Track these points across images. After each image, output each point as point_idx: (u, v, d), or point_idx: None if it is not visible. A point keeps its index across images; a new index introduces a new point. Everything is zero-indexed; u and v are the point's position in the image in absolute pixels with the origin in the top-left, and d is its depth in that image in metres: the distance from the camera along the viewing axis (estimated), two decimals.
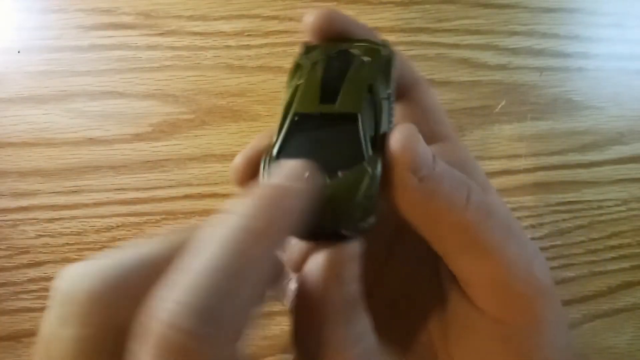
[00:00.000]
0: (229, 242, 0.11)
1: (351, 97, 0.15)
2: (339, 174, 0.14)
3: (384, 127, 0.15)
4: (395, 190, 0.15)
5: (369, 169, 0.14)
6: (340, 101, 0.15)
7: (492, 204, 0.16)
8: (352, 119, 0.15)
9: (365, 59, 0.17)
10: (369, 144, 0.15)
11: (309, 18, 0.17)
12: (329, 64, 0.17)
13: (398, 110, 0.19)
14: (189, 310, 0.10)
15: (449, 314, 0.18)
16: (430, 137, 0.18)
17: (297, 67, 0.18)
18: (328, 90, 0.16)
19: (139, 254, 0.14)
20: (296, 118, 0.16)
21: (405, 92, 0.19)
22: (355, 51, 0.17)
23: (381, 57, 0.17)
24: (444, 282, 0.18)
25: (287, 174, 0.14)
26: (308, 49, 0.18)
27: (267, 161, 0.15)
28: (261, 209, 0.12)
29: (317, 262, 0.14)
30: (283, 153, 0.15)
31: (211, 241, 0.12)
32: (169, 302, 0.11)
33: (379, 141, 0.15)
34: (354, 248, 0.14)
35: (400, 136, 0.14)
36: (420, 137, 0.15)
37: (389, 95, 0.16)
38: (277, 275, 0.14)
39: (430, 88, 0.20)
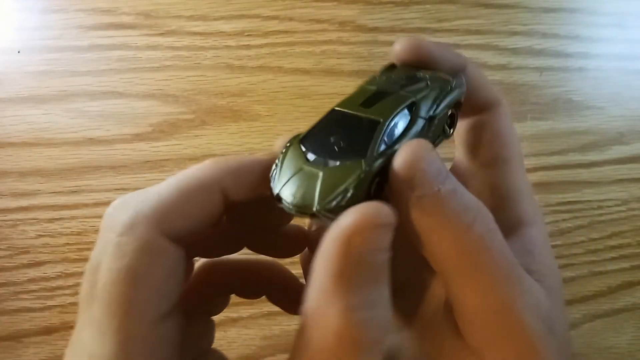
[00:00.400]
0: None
1: (386, 107, 0.16)
2: (337, 162, 0.15)
3: (404, 143, 0.16)
4: (394, 202, 0.15)
5: (364, 166, 0.15)
6: (374, 108, 0.16)
7: (497, 237, 0.15)
8: (375, 124, 0.16)
9: (429, 82, 0.18)
10: (378, 148, 0.15)
11: (396, 46, 0.18)
12: (392, 80, 0.18)
13: (463, 125, 0.20)
14: None
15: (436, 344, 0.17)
16: (493, 160, 0.19)
17: (369, 80, 0.19)
18: (374, 100, 0.17)
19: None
20: (332, 113, 0.17)
21: (481, 111, 0.19)
22: (423, 75, 0.18)
23: (444, 84, 0.18)
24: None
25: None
26: (388, 68, 0.20)
27: (292, 141, 0.17)
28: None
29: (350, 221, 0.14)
30: (307, 136, 0.17)
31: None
32: None
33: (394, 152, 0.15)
34: (388, 217, 0.14)
35: (405, 152, 0.15)
36: (432, 155, 0.15)
37: (431, 117, 0.17)
38: None
39: (508, 109, 0.19)
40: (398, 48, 0.18)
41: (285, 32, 0.38)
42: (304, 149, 0.16)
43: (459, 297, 0.16)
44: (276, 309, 0.23)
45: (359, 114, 0.16)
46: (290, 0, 0.38)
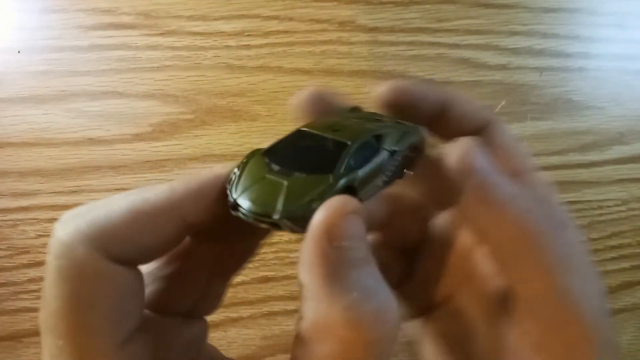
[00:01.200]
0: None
1: (353, 133, 0.16)
2: (303, 174, 0.15)
3: (368, 169, 0.16)
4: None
5: (331, 180, 0.15)
6: (342, 132, 0.17)
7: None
8: (343, 146, 0.16)
9: (390, 123, 0.18)
10: (346, 167, 0.15)
11: (381, 89, 0.19)
12: (356, 117, 0.19)
13: None
14: None
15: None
16: (510, 173, 0.19)
17: (333, 115, 0.19)
18: (341, 127, 0.17)
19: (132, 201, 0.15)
20: (298, 132, 0.17)
21: (478, 134, 0.20)
22: (386, 118, 0.19)
23: (404, 127, 0.18)
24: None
25: None
26: (352, 109, 0.20)
27: (253, 153, 0.17)
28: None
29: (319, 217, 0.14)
30: (272, 149, 0.17)
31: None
32: None
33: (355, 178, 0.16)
34: (350, 206, 0.14)
35: (457, 148, 0.17)
36: (479, 151, 0.17)
37: (394, 151, 0.17)
38: None
39: (504, 125, 0.20)
40: (383, 90, 0.19)
41: (285, 32, 0.38)
42: (267, 160, 0.16)
43: (519, 282, 0.16)
44: (276, 308, 0.22)
45: (326, 135, 0.16)
46: (290, 0, 0.38)
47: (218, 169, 0.16)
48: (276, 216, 0.14)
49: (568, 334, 0.16)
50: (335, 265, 0.13)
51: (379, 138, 0.17)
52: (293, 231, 0.14)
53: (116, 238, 0.14)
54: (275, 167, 0.15)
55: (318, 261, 0.13)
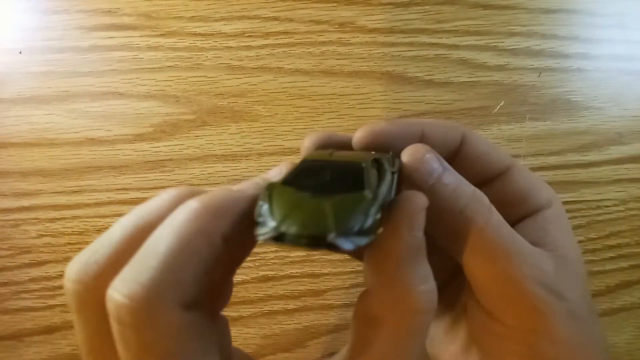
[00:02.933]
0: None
1: (357, 158, 0.17)
2: (337, 195, 0.15)
3: (384, 186, 0.16)
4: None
5: (369, 195, 0.15)
6: (346, 158, 0.17)
7: (492, 217, 0.18)
8: (357, 168, 0.16)
9: (372, 152, 0.19)
10: (371, 183, 0.15)
11: (357, 134, 0.20)
12: (338, 151, 0.19)
13: (491, 192, 0.20)
14: (130, 281, 0.13)
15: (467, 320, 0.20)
16: (531, 210, 0.21)
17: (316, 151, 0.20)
18: (339, 155, 0.18)
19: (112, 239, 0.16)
20: (305, 162, 0.17)
21: (498, 177, 0.22)
22: (361, 152, 0.19)
23: (386, 154, 0.19)
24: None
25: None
26: (327, 147, 0.21)
27: (271, 187, 0.16)
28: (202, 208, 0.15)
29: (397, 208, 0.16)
30: (289, 179, 0.16)
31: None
32: (120, 278, 0.14)
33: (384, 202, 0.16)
34: (424, 201, 0.16)
35: (408, 152, 0.18)
36: (429, 155, 0.18)
37: (393, 172, 0.18)
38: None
39: (477, 134, 0.22)
40: (358, 135, 0.20)
41: (286, 33, 0.38)
42: (293, 189, 0.15)
43: (469, 273, 0.18)
44: (277, 308, 0.22)
45: (336, 160, 0.17)
46: (290, 2, 0.38)
47: (246, 189, 0.16)
48: (332, 235, 0.13)
49: (519, 312, 0.18)
50: (412, 251, 0.16)
51: (376, 161, 0.17)
52: (344, 250, 0.14)
53: (181, 283, 0.14)
54: (305, 194, 0.15)
55: (398, 247, 0.15)
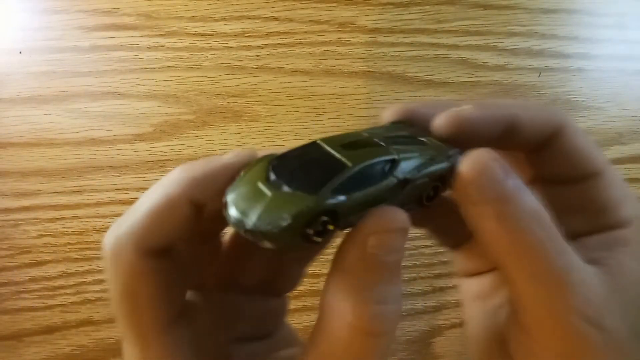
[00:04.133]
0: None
1: (364, 155, 0.16)
2: (290, 190, 0.15)
3: (363, 195, 0.15)
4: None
5: (310, 201, 0.14)
6: (353, 152, 0.16)
7: (551, 241, 0.16)
8: (342, 167, 0.15)
9: (424, 147, 0.17)
10: (335, 190, 0.15)
11: (438, 119, 0.18)
12: (390, 135, 0.18)
13: (572, 194, 0.19)
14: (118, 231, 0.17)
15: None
16: (583, 177, 0.19)
17: (369, 127, 0.19)
18: (359, 145, 0.17)
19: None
20: (311, 144, 0.17)
21: (585, 179, 0.19)
22: (425, 140, 0.18)
23: (437, 155, 0.17)
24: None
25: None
26: (395, 122, 0.19)
27: (266, 157, 0.17)
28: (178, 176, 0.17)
29: (376, 225, 0.15)
30: (279, 158, 0.17)
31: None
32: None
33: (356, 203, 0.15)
34: (396, 223, 0.15)
35: (470, 161, 0.16)
36: (494, 165, 0.16)
37: (406, 180, 0.16)
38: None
39: (577, 128, 0.20)
40: (439, 123, 0.18)
41: (286, 33, 0.38)
42: (270, 167, 0.16)
43: (513, 292, 0.17)
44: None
45: (333, 152, 0.16)
46: (290, 2, 0.38)
47: (226, 157, 0.17)
48: (248, 226, 0.14)
49: (561, 349, 0.16)
50: (363, 266, 0.15)
51: (392, 163, 0.16)
52: (261, 244, 0.14)
53: (145, 236, 0.16)
54: (272, 177, 0.15)
55: (351, 257, 0.15)
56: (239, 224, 0.15)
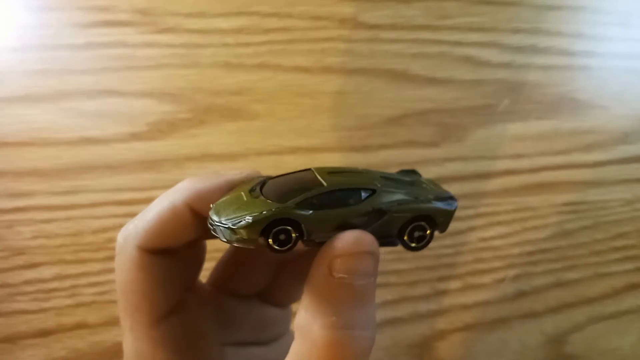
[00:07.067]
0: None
1: (343, 181, 0.17)
2: (262, 197, 0.17)
3: (326, 213, 0.16)
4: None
5: (273, 208, 0.16)
6: (336, 178, 0.17)
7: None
8: (318, 186, 0.17)
9: (416, 188, 0.18)
10: (301, 203, 0.16)
11: None
12: (390, 177, 0.19)
13: None
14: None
15: None
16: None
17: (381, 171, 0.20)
18: (347, 175, 0.18)
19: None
20: (305, 170, 0.19)
21: None
22: (423, 184, 0.19)
23: (427, 194, 0.18)
24: None
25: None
26: (408, 171, 0.21)
27: (269, 177, 0.19)
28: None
29: (349, 247, 0.15)
30: (274, 177, 0.18)
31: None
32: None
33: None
34: (370, 246, 0.16)
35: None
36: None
37: (379, 210, 0.17)
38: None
39: None
40: None
41: (285, 29, 0.38)
42: (260, 183, 0.18)
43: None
44: None
45: (318, 176, 0.17)
46: None
47: (231, 174, 0.19)
48: (215, 222, 0.16)
49: None
50: (330, 289, 0.15)
51: (372, 193, 0.17)
52: (223, 240, 0.16)
53: (150, 236, 0.18)
54: (256, 189, 0.17)
55: (318, 279, 0.15)
56: (211, 222, 0.17)
